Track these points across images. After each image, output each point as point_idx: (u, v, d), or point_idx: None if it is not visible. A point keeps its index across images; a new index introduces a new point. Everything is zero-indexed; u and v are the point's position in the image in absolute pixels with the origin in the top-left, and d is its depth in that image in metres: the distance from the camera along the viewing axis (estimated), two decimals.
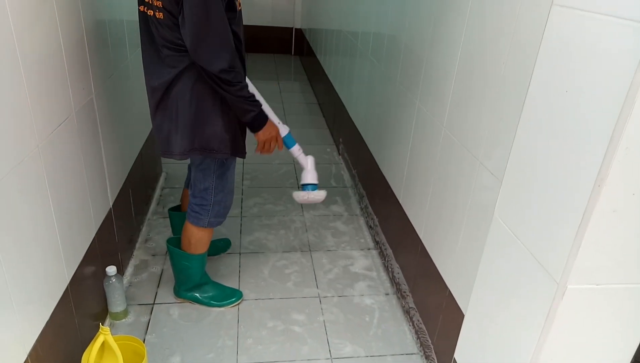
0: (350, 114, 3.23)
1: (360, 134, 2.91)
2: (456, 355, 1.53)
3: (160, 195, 2.82)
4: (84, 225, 1.66)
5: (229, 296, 2.04)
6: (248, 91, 1.64)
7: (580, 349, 1.09)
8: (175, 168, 3.09)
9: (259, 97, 1.79)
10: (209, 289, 2.04)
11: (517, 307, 1.16)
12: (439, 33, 1.70)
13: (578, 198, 0.95)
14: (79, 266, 1.59)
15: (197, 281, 2.00)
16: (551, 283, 1.03)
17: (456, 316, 1.54)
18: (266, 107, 1.81)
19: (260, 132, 1.74)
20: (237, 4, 1.60)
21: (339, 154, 3.58)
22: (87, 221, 1.68)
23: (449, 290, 1.62)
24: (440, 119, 1.68)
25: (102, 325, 1.41)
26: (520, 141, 1.14)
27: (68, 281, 1.50)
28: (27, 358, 1.23)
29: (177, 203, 2.74)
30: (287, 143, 1.89)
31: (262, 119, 1.73)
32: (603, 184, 0.90)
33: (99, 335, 1.41)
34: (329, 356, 1.82)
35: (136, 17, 1.65)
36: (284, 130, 1.86)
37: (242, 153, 1.81)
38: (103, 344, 1.41)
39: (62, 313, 1.44)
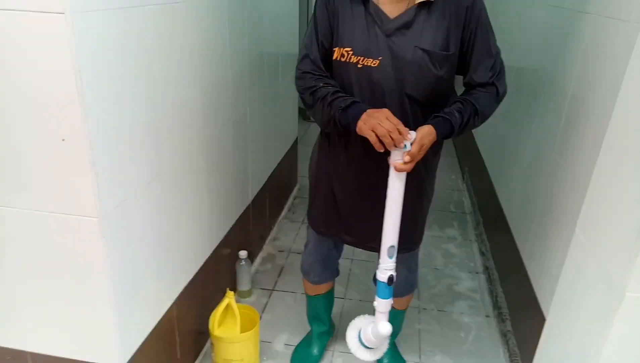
0: (477, 144, 3.28)
1: (484, 163, 2.96)
2: None
3: (292, 203, 3.20)
4: (226, 213, 2.05)
5: None
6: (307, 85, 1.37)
7: None
8: (306, 181, 3.46)
9: None
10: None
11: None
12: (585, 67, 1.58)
13: None
14: (217, 246, 1.97)
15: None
16: None
17: None
18: None
19: (359, 126, 1.27)
20: (345, 54, 1.33)
21: (463, 181, 3.62)
22: (229, 210, 2.07)
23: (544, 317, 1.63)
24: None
25: (229, 290, 1.75)
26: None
27: (207, 255, 1.89)
28: (172, 304, 1.61)
29: (304, 212, 3.10)
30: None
31: (346, 114, 1.30)
32: None
33: (225, 297, 1.75)
34: (418, 360, 1.93)
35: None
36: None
37: (313, 225, 1.67)
38: (227, 307, 1.75)
39: (200, 279, 1.82)
